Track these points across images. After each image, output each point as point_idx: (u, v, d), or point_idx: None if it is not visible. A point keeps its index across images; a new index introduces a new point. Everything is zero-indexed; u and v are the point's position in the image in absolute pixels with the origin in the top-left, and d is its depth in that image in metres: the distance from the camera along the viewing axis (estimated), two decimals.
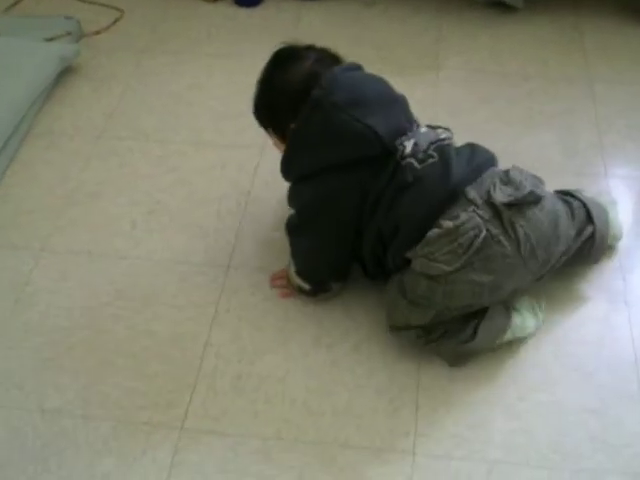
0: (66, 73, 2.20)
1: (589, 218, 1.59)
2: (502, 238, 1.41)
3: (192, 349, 1.57)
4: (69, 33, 2.26)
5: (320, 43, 2.29)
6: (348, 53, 2.29)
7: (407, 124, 1.51)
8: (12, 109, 2.01)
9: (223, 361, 1.55)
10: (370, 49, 2.28)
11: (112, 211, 1.84)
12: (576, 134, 2.01)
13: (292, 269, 1.62)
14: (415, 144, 1.46)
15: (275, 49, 1.57)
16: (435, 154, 1.46)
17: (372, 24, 2.39)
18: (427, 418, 1.45)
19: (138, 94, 2.16)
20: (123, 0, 2.47)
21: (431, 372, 1.51)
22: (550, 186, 1.58)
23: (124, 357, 1.56)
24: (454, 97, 2.12)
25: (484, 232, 1.40)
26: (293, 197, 1.58)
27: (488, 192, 1.43)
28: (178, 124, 2.06)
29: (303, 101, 1.46)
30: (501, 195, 1.43)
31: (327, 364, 1.54)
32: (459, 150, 1.53)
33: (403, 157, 1.45)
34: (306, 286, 1.61)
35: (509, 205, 1.42)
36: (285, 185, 1.58)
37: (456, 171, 1.46)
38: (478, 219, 1.40)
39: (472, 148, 1.55)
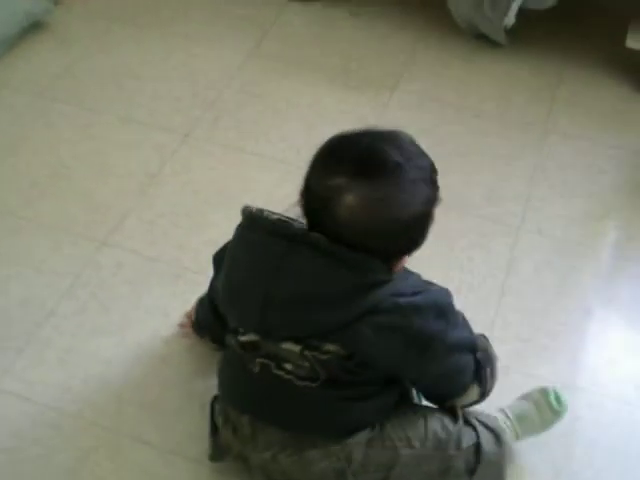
0: (35, 29, 2.24)
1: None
2: None
3: (35, 314, 1.58)
4: None
5: (294, 45, 2.28)
6: (316, 57, 2.26)
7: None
8: None
9: (58, 333, 1.56)
10: (338, 59, 2.26)
11: (20, 168, 1.87)
12: (507, 181, 1.95)
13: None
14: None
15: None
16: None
17: (351, 35, 2.36)
18: None
19: (93, 60, 2.19)
20: None
21: None
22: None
23: None
24: (394, 121, 2.03)
25: None
26: None
27: None
28: (116, 97, 2.08)
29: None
30: None
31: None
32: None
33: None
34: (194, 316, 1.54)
35: None
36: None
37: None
38: None
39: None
